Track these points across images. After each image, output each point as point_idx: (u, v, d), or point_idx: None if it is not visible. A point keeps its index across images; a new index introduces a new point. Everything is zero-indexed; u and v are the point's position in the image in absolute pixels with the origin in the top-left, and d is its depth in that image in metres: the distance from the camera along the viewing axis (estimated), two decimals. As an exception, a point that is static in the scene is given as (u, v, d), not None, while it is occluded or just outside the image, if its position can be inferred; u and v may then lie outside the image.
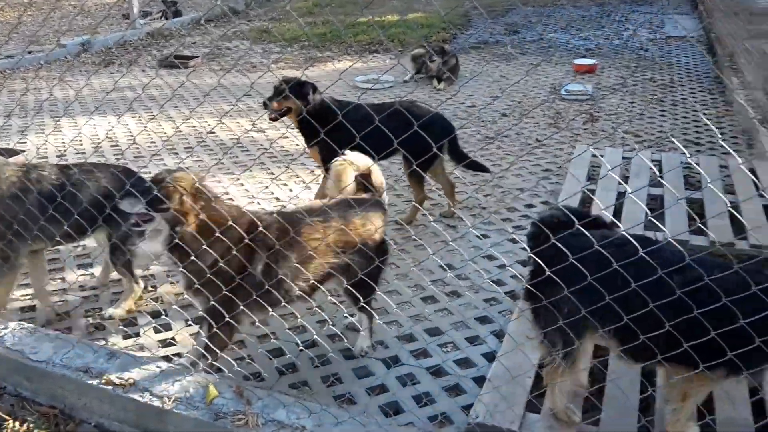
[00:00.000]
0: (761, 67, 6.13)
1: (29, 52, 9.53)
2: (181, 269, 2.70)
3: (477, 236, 4.29)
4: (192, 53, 9.77)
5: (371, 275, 2.83)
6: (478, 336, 3.28)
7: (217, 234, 2.62)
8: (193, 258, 2.64)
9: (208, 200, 2.68)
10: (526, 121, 6.63)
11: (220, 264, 2.64)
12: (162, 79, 8.37)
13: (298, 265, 2.75)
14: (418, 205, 4.47)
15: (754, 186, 4.47)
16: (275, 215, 2.83)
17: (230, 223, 2.63)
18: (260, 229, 2.67)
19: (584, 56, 8.95)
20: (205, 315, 2.76)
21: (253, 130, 6.22)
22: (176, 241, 2.65)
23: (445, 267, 3.85)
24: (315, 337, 2.94)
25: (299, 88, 4.23)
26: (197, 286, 2.68)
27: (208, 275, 2.66)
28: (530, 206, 4.76)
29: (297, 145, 5.88)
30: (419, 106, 4.47)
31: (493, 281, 3.76)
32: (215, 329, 2.78)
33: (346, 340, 3.21)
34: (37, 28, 11.39)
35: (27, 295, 3.61)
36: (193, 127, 6.58)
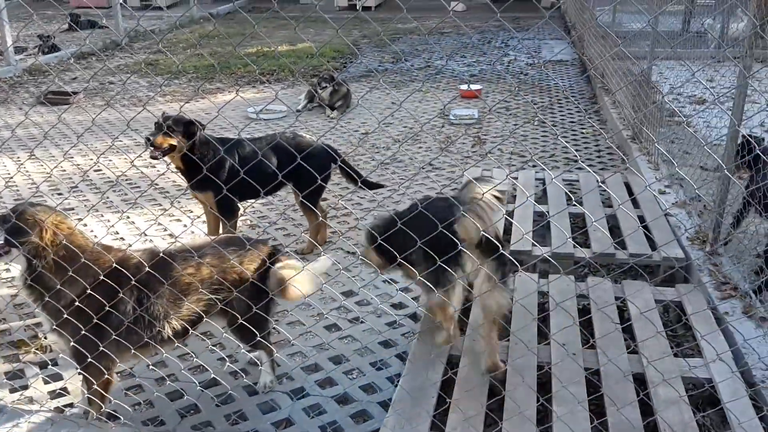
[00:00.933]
0: (628, 86, 6.65)
1: None
2: (37, 309, 2.60)
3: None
4: (73, 89, 9.37)
5: (255, 314, 2.79)
6: (382, 360, 3.32)
7: (70, 271, 2.54)
8: (50, 296, 2.54)
9: (68, 235, 2.59)
10: (419, 146, 6.82)
11: (78, 303, 2.54)
12: (41, 117, 7.95)
13: (167, 306, 2.68)
14: (312, 240, 4.49)
15: (630, 198, 4.82)
16: (144, 253, 2.74)
17: (88, 259, 2.57)
18: (126, 266, 2.61)
19: (469, 82, 9.33)
20: (67, 358, 2.66)
21: (142, 165, 6.04)
22: (34, 276, 2.55)
23: (339, 294, 3.89)
24: (213, 375, 2.88)
25: (183, 126, 3.97)
26: (55, 327, 2.58)
27: (67, 315, 2.55)
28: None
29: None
30: (302, 137, 4.45)
31: (394, 305, 3.83)
32: (80, 372, 2.68)
33: (245, 377, 3.16)
34: None
35: None
36: (78, 165, 6.30)
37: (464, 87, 8.77)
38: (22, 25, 13.31)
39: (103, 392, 2.72)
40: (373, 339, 3.49)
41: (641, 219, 4.47)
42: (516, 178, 5.32)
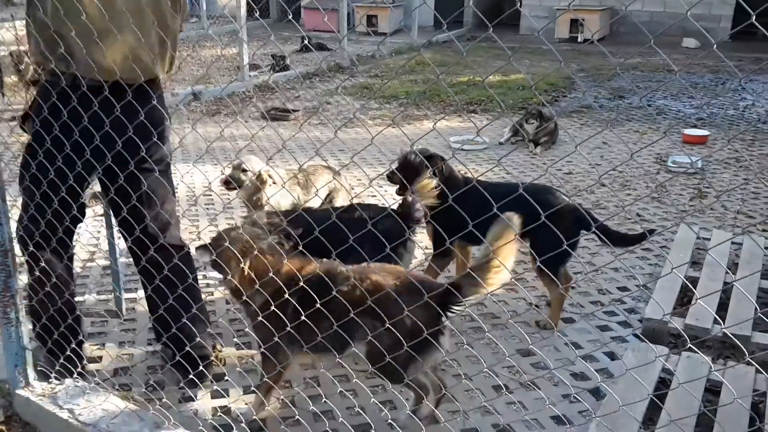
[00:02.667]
0: None
1: (144, 100, 10.08)
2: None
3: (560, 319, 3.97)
4: (294, 107, 10.03)
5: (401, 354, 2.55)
6: (551, 438, 2.96)
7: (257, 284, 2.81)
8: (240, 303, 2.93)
9: (257, 255, 2.85)
10: (627, 192, 6.24)
11: (260, 311, 2.78)
12: (263, 131, 8.55)
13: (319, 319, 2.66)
14: (554, 314, 3.92)
15: None
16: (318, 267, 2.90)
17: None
18: (294, 278, 2.74)
19: (695, 126, 8.44)
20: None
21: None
22: (234, 288, 2.89)
23: (515, 350, 3.57)
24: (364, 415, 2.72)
25: (429, 161, 3.80)
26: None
27: (253, 323, 2.89)
28: (624, 289, 4.38)
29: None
30: (551, 192, 3.84)
31: (574, 374, 3.43)
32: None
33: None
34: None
35: (94, 344, 3.63)
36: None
37: (689, 131, 7.93)
38: (261, 44, 14.63)
39: (272, 385, 2.96)
40: (544, 411, 3.13)
41: None
42: (740, 244, 4.61)
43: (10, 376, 2.69)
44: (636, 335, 3.70)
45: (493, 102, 9.96)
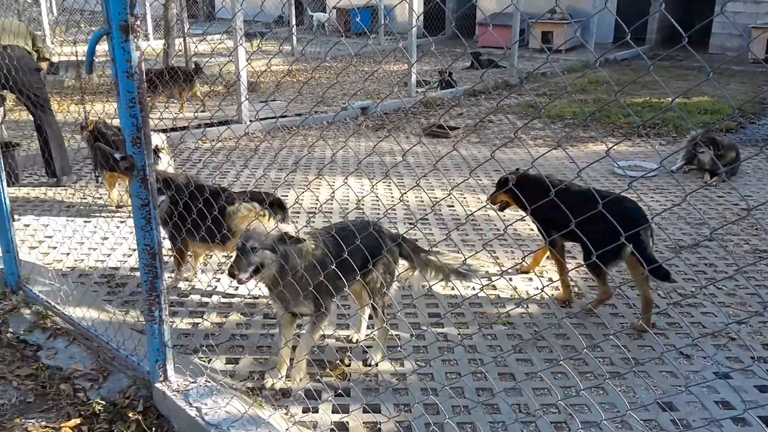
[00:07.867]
0: None
1: (316, 112, 10.62)
2: None
3: (714, 374, 3.58)
4: (456, 124, 10.04)
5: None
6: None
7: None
8: None
9: None
10: (816, 235, 5.51)
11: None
12: (421, 147, 8.66)
13: None
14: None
15: None
16: None
17: None
18: None
19: None
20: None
21: (491, 209, 6.08)
22: None
23: (664, 406, 3.26)
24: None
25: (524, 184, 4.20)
26: None
27: None
28: (797, 346, 3.86)
29: (531, 230, 5.62)
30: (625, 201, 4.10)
31: (721, 438, 3.07)
32: None
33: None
34: (328, 90, 12.68)
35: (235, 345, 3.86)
36: (436, 197, 6.65)
37: None
38: (421, 56, 14.81)
39: None
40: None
41: None
42: None
43: (151, 369, 2.93)
44: (802, 403, 3.24)
45: (668, 126, 9.30)
